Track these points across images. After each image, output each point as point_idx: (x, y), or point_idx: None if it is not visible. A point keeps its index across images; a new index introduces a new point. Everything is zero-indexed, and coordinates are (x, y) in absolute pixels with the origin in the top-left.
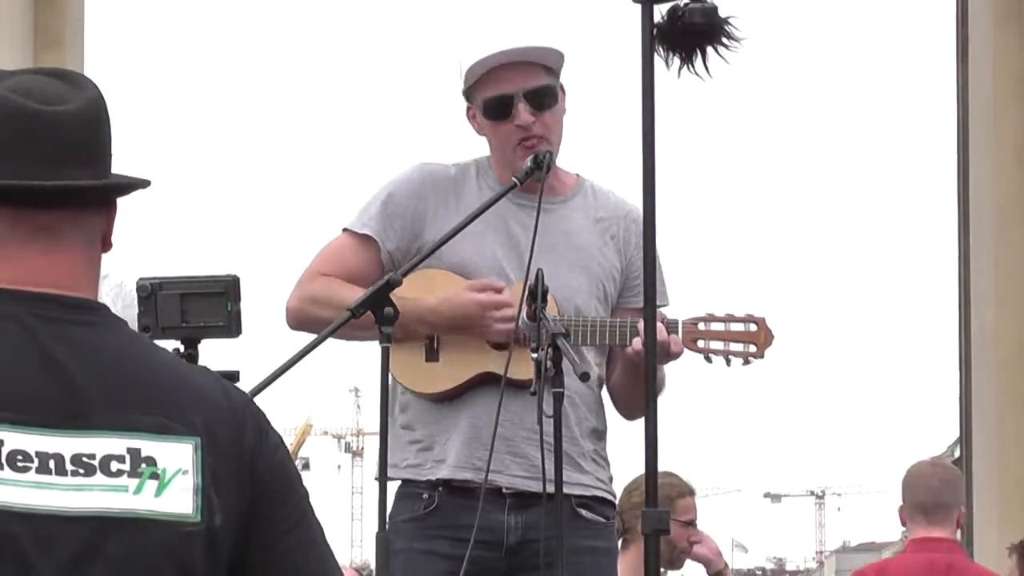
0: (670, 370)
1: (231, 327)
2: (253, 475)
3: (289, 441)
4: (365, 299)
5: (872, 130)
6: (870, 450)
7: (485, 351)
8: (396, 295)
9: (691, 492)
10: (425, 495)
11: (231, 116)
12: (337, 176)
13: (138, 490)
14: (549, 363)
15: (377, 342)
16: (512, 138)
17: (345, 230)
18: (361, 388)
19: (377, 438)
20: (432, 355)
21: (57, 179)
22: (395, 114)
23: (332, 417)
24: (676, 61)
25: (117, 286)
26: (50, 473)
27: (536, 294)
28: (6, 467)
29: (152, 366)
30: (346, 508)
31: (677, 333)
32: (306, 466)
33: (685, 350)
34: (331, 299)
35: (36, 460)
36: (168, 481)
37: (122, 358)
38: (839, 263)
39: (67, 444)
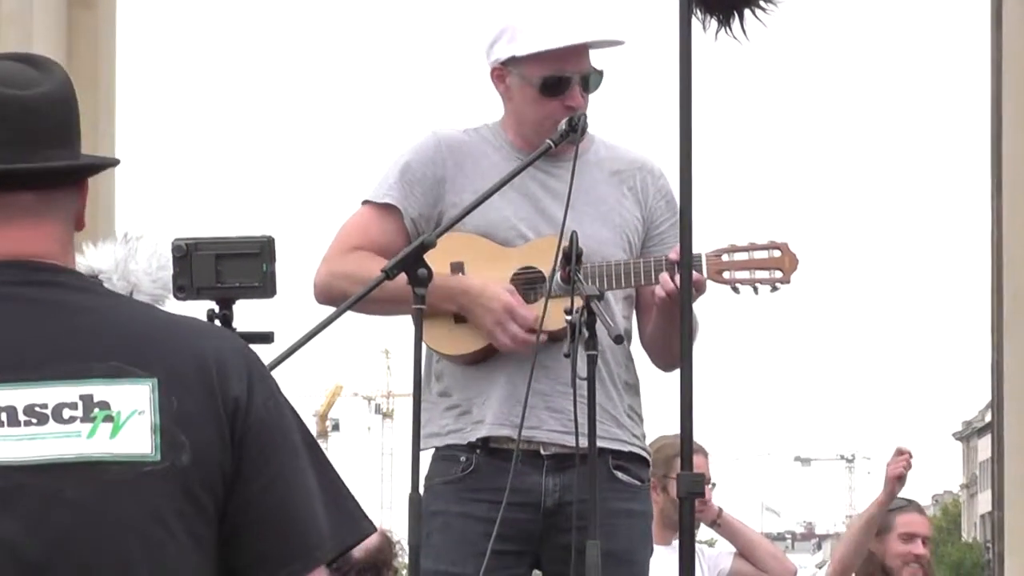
0: (698, 308)
1: (266, 288)
2: (235, 417)
3: (319, 403)
4: (399, 260)
5: (905, 92)
6: (901, 414)
7: None
8: None
9: (695, 451)
10: (463, 457)
11: (267, 76)
12: (371, 139)
13: (91, 434)
14: (583, 326)
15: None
16: (557, 115)
17: (366, 202)
18: (392, 350)
19: (408, 400)
20: (461, 317)
21: (34, 161)
22: (424, 78)
23: (363, 379)
24: (713, 23)
25: (152, 246)
26: (3, 425)
27: (571, 256)
28: None
29: (120, 320)
30: (376, 470)
31: (701, 267)
32: (336, 427)
33: (711, 283)
34: (362, 276)
35: None
36: (123, 423)
37: (83, 313)
38: (869, 227)
39: (20, 396)
